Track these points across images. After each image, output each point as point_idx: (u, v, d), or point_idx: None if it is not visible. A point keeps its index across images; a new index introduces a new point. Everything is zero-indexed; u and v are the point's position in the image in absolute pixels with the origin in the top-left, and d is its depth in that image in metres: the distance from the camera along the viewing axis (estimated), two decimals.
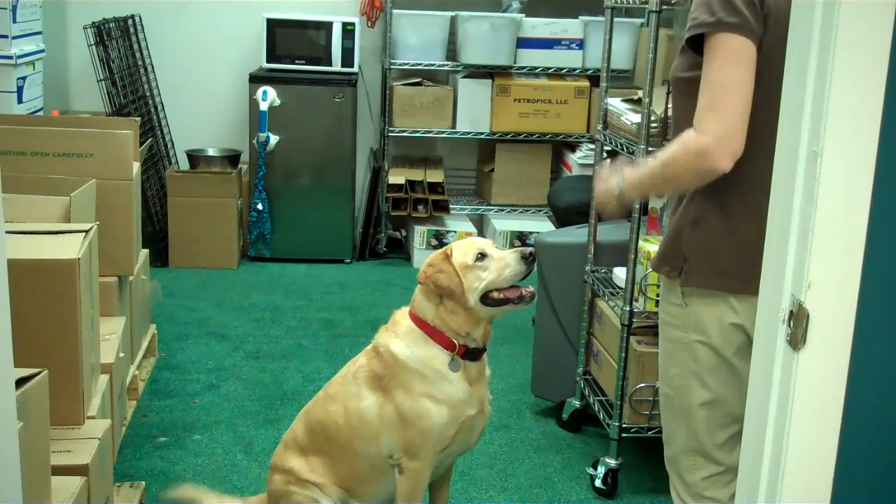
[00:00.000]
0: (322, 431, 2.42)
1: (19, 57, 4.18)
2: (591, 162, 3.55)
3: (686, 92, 1.93)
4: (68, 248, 2.33)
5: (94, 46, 4.70)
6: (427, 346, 2.30)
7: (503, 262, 2.28)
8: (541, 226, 5.29)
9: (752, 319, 1.92)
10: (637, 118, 2.80)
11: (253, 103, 5.05)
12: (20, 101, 4.24)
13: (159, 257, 5.00)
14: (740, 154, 1.78)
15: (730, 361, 1.99)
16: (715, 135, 1.78)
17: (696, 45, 1.85)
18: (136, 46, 5.19)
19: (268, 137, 5.05)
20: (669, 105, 2.58)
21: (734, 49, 1.77)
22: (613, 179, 2.05)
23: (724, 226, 1.93)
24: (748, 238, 1.87)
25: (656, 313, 2.27)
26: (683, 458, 2.10)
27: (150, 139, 5.04)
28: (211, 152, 5.31)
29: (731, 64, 1.77)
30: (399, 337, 2.32)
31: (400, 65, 5.23)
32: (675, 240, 1.99)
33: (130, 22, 5.19)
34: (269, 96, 5.01)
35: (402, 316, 2.37)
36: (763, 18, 1.79)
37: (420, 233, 5.28)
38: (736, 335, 1.97)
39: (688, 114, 1.89)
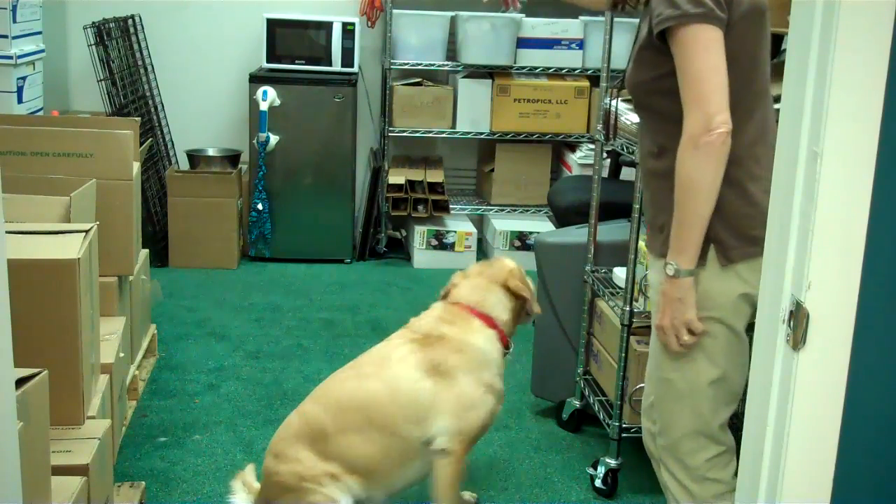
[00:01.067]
0: (358, 408, 2.42)
1: (19, 57, 4.18)
2: (591, 162, 3.55)
3: (653, 91, 2.00)
4: (68, 248, 2.33)
5: (94, 46, 4.70)
6: (496, 343, 2.58)
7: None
8: (541, 226, 5.29)
9: (759, 284, 2.01)
10: (637, 118, 2.80)
11: (253, 103, 5.05)
12: (20, 101, 4.24)
13: (159, 257, 5.00)
14: (731, 127, 1.88)
15: (738, 334, 2.05)
16: (701, 119, 1.87)
17: (663, 40, 1.93)
18: (136, 46, 5.19)
19: (268, 137, 5.05)
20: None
21: (703, 39, 1.86)
22: (667, 290, 2.03)
23: (735, 197, 1.98)
24: (757, 200, 1.97)
25: None
26: (685, 442, 2.12)
27: (150, 139, 5.04)
28: (211, 152, 5.31)
29: (702, 52, 1.87)
30: (476, 332, 2.54)
31: (400, 65, 5.23)
32: None
33: (130, 22, 5.19)
34: (269, 96, 5.01)
35: (459, 312, 2.56)
36: (727, 4, 1.89)
37: (420, 233, 5.28)
38: (745, 306, 2.03)
39: (659, 116, 1.99)
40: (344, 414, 2.43)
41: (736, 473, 2.11)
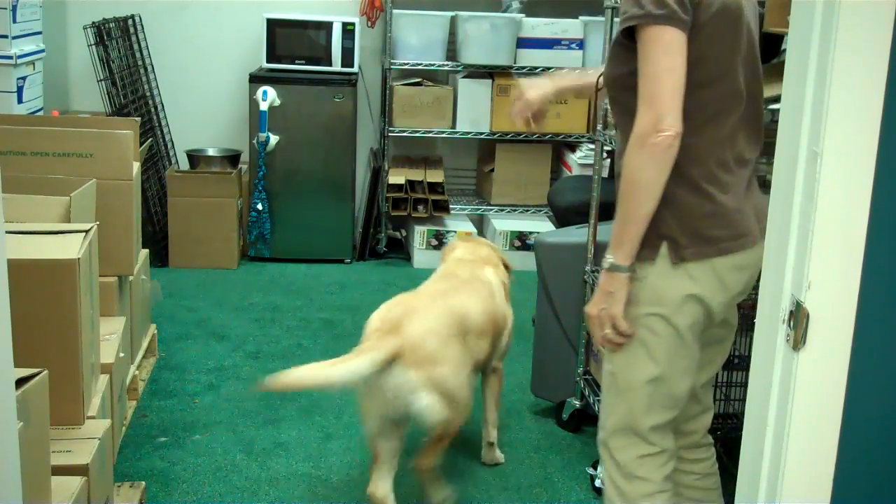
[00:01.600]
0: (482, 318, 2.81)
1: (19, 57, 4.18)
2: (591, 162, 3.55)
3: (625, 87, 2.00)
4: (68, 248, 2.33)
5: (94, 46, 4.70)
6: None
7: None
8: (541, 226, 5.29)
9: (712, 286, 2.01)
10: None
11: (253, 103, 5.06)
12: (20, 101, 4.23)
13: (159, 257, 5.00)
14: (681, 130, 1.88)
15: (683, 335, 2.02)
16: (651, 118, 1.88)
17: (631, 37, 1.94)
18: (136, 46, 5.19)
19: (268, 137, 5.05)
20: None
21: (664, 41, 1.87)
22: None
23: (692, 197, 1.98)
24: (718, 201, 1.98)
25: None
26: (616, 437, 2.11)
27: (150, 139, 5.04)
28: (211, 152, 5.31)
29: (661, 54, 1.88)
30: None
31: (400, 65, 5.23)
32: (651, 222, 2.00)
33: (130, 22, 5.19)
34: (269, 96, 5.01)
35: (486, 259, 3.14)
36: (693, 6, 1.89)
37: (420, 233, 5.28)
38: (693, 306, 2.01)
39: (629, 113, 1.97)
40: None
41: (669, 477, 2.11)
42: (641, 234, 1.97)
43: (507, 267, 3.20)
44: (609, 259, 2.02)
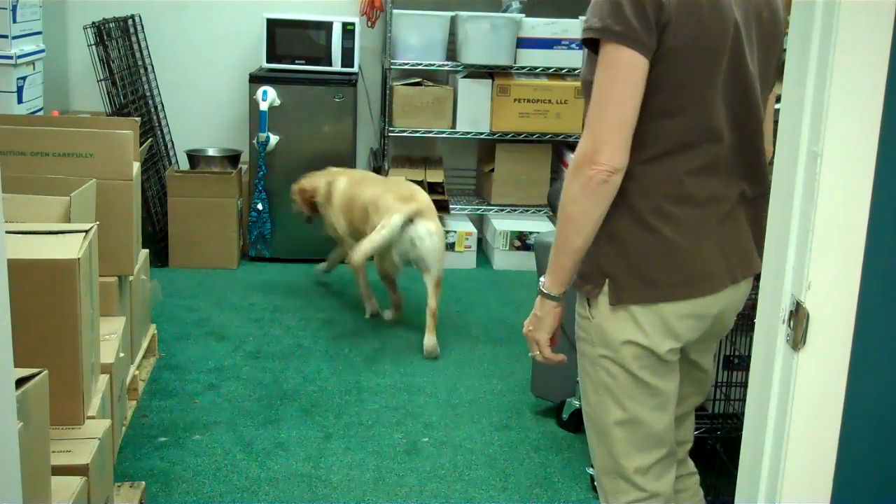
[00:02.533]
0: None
1: (19, 57, 4.18)
2: None
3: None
4: (68, 248, 2.33)
5: (94, 46, 4.70)
6: None
7: None
8: (541, 226, 5.29)
9: (658, 333, 1.83)
10: None
11: (253, 103, 5.06)
12: (20, 101, 4.23)
13: (159, 257, 5.00)
14: (620, 165, 1.72)
15: (639, 378, 1.87)
16: (588, 148, 1.73)
17: (593, 46, 1.78)
18: (136, 46, 5.19)
19: (268, 137, 5.05)
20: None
21: (619, 64, 1.71)
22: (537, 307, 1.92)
23: (635, 231, 1.81)
24: (666, 238, 1.80)
25: None
26: (605, 480, 1.98)
27: (150, 139, 5.04)
28: (211, 152, 5.31)
29: (611, 79, 1.72)
30: None
31: (400, 65, 5.23)
32: (593, 255, 1.84)
33: (130, 22, 5.19)
34: (269, 96, 5.01)
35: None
36: (660, 27, 1.71)
37: None
38: (637, 351, 1.85)
39: None
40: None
41: None
42: (572, 267, 1.82)
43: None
44: (541, 282, 1.88)
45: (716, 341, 2.05)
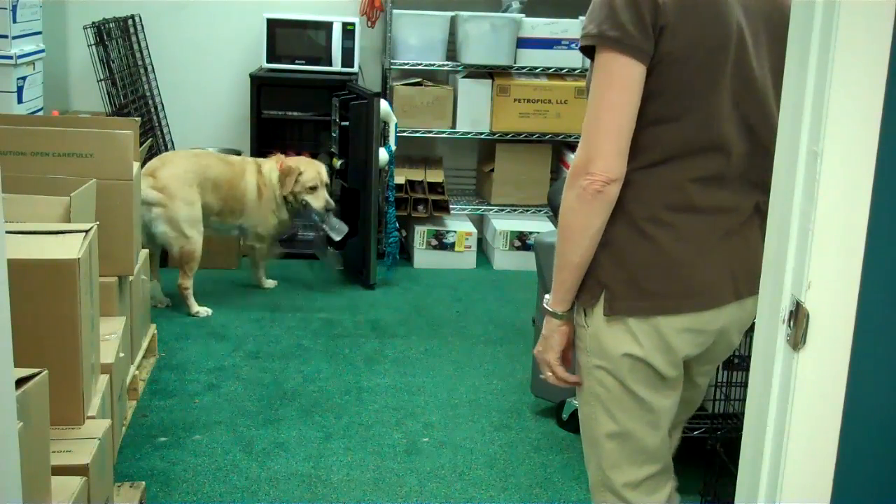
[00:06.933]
0: None
1: (19, 57, 4.18)
2: None
3: None
4: (68, 248, 2.33)
5: (94, 46, 4.70)
6: None
7: None
8: (541, 226, 5.30)
9: (655, 347, 1.79)
10: None
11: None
12: (20, 101, 4.24)
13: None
14: (616, 175, 1.69)
15: (633, 392, 1.83)
16: (583, 157, 1.70)
17: (591, 53, 1.74)
18: (136, 46, 5.19)
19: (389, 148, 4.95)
20: None
21: (615, 71, 1.67)
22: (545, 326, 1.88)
23: (630, 237, 1.76)
24: (662, 248, 1.76)
25: None
26: (596, 492, 1.95)
27: (150, 139, 5.03)
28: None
29: (606, 86, 1.68)
30: None
31: (400, 65, 5.23)
32: (590, 264, 1.80)
33: (130, 22, 5.19)
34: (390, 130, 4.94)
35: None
36: (657, 31, 1.67)
37: (420, 233, 5.28)
38: (635, 364, 1.80)
39: None
40: None
41: None
42: (574, 283, 1.78)
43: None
44: (546, 300, 1.86)
45: (720, 361, 2.00)
